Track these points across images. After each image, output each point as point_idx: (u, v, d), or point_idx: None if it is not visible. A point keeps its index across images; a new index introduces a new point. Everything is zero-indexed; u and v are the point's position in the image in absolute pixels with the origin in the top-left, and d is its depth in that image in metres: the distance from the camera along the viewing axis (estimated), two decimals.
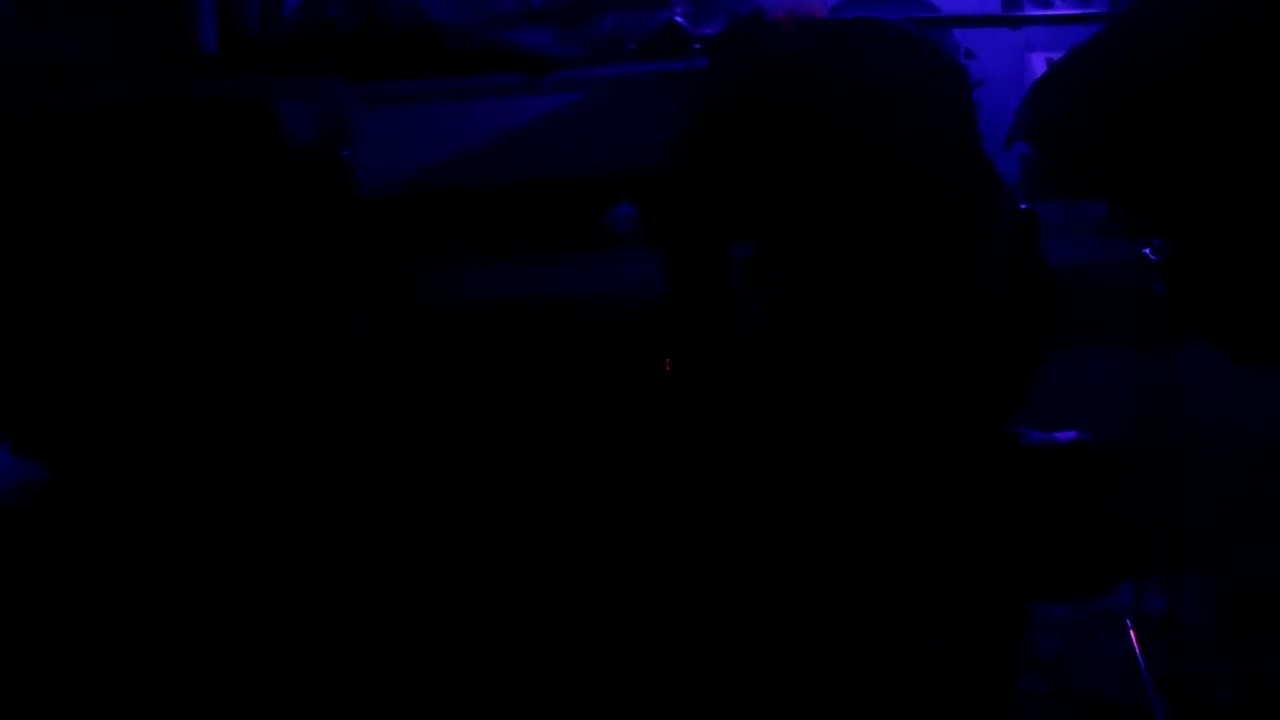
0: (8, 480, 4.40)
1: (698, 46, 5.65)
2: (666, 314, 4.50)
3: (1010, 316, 4.22)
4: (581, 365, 4.98)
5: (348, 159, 5.39)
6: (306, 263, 5.17)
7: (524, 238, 5.65)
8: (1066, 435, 4.19)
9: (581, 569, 3.94)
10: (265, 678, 3.56)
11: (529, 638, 3.68)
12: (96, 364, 4.87)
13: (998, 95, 4.78)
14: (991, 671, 3.63)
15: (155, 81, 5.31)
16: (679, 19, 5.70)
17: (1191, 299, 3.66)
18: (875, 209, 4.04)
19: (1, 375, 4.86)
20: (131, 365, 4.86)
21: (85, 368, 4.87)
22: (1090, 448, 4.17)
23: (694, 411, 4.27)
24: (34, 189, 5.08)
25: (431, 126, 5.61)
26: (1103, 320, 4.34)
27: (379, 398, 4.84)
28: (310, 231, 5.22)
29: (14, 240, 5.04)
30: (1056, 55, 4.36)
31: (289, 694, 3.53)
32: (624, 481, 4.29)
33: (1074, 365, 4.65)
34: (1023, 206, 4.41)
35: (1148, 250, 3.67)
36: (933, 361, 3.98)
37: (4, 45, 5.25)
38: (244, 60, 5.47)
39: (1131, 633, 3.66)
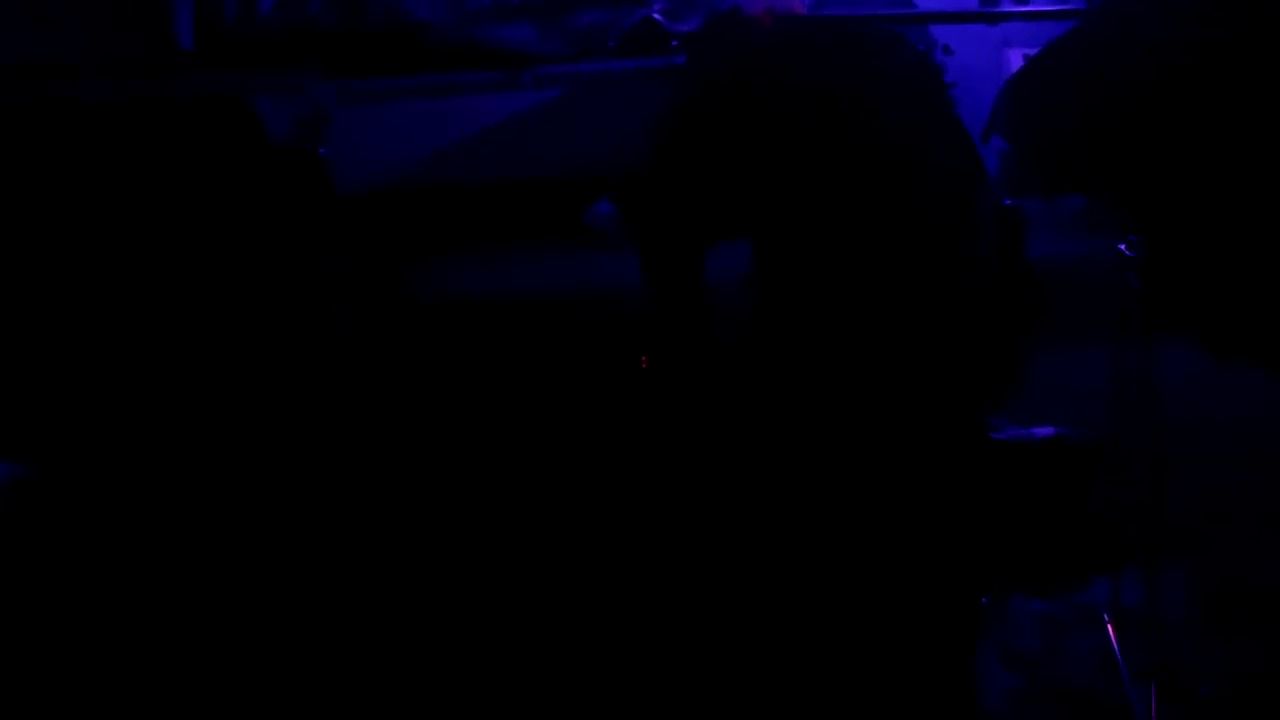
0: None
1: (675, 43, 5.66)
2: (644, 309, 4.50)
3: (994, 312, 4.22)
4: (563, 359, 4.98)
5: (326, 156, 5.39)
6: (287, 259, 5.17)
7: (504, 234, 5.65)
8: (1044, 431, 4.20)
9: (563, 562, 3.94)
10: (249, 679, 3.56)
11: (509, 632, 3.69)
12: (78, 361, 4.87)
13: (975, 90, 4.78)
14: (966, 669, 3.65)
15: (134, 78, 5.30)
16: (657, 16, 5.70)
17: (1167, 294, 3.67)
18: (856, 205, 4.03)
19: None
20: (114, 362, 4.86)
21: (67, 365, 4.87)
22: (1068, 444, 4.18)
23: (674, 405, 4.27)
24: (14, 186, 5.08)
25: (411, 123, 5.61)
26: (1079, 315, 4.35)
27: (363, 391, 4.84)
28: (290, 228, 5.21)
29: None
30: (1034, 51, 4.37)
31: (266, 695, 3.54)
32: (607, 474, 4.29)
33: (1051, 360, 4.65)
34: (1007, 203, 4.41)
35: (1123, 245, 3.68)
36: (915, 357, 3.98)
37: None
38: (223, 57, 5.46)
39: (1110, 627, 3.67)
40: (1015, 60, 5.47)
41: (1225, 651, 3.65)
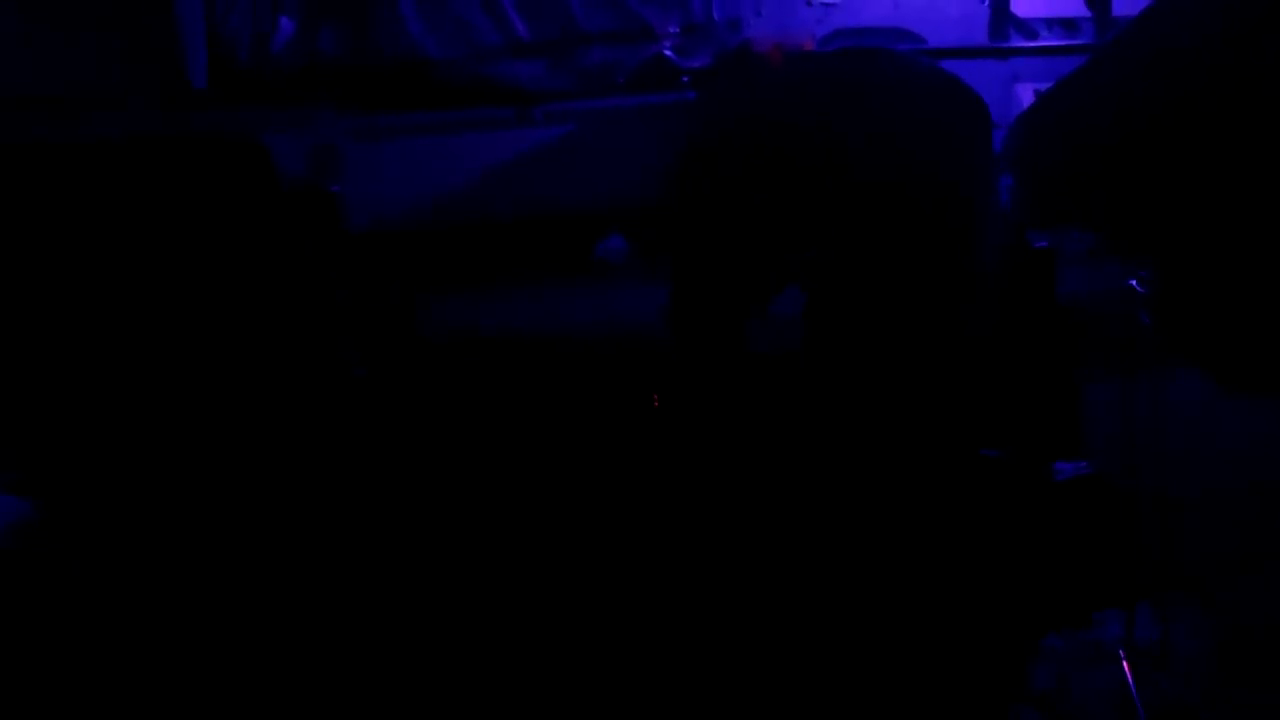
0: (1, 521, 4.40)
1: (686, 79, 5.68)
2: (657, 345, 4.49)
3: (1015, 345, 4.21)
4: (575, 395, 4.99)
5: (338, 193, 5.41)
6: (300, 296, 5.18)
7: (516, 270, 5.66)
8: (1062, 466, 4.19)
9: (574, 598, 3.94)
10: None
11: (523, 669, 3.68)
12: (90, 399, 4.87)
13: None
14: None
15: (147, 115, 5.33)
16: (667, 52, 5.73)
17: (1179, 330, 3.66)
18: (871, 239, 4.03)
19: None
20: (125, 400, 4.86)
21: (77, 403, 4.87)
22: (1083, 479, 4.17)
23: (692, 434, 4.27)
24: (26, 223, 5.09)
25: (423, 159, 5.62)
26: (1090, 350, 4.35)
27: (374, 428, 4.84)
28: (302, 266, 5.23)
29: (5, 273, 5.05)
30: (1043, 86, 4.38)
31: None
32: (622, 512, 4.29)
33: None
34: (1042, 244, 4.40)
35: (1134, 281, 3.68)
36: (926, 384, 3.98)
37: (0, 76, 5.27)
38: (235, 94, 5.49)
39: (1125, 663, 3.65)
40: (1025, 95, 5.48)
41: (1239, 687, 3.64)
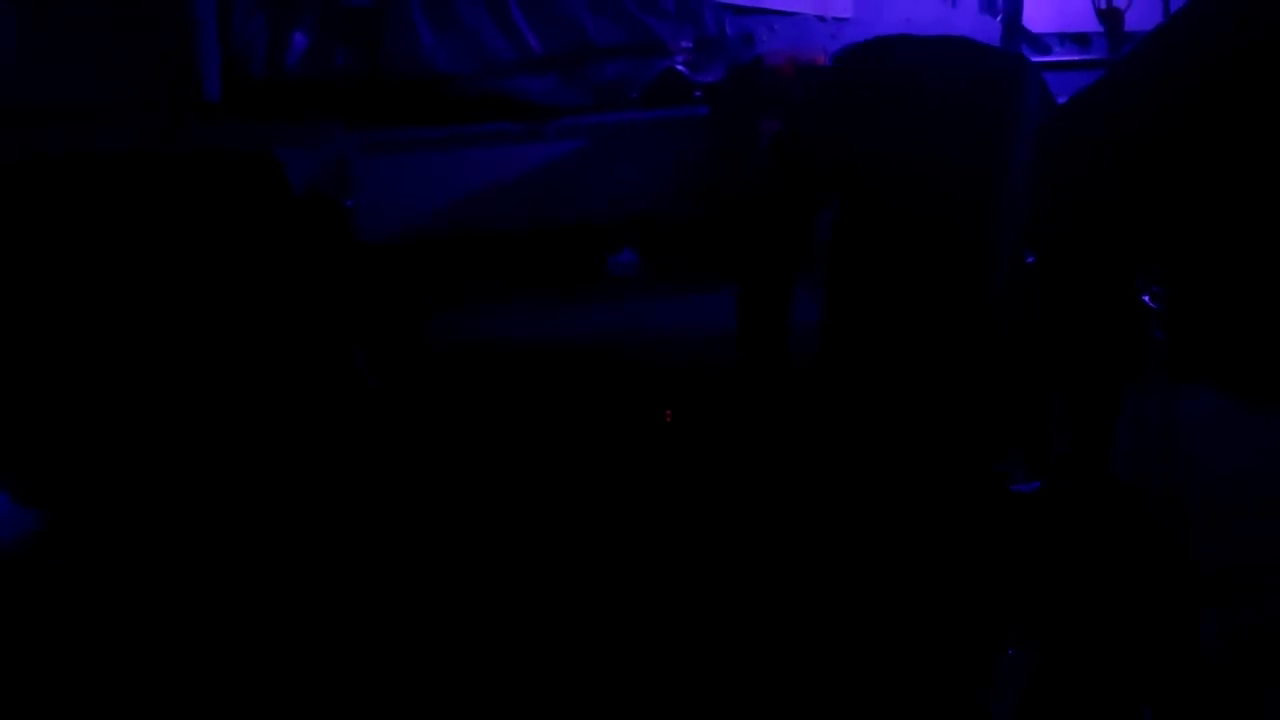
0: (7, 529, 4.40)
1: (698, 94, 5.70)
2: (670, 357, 4.48)
3: (1015, 352, 4.21)
4: (588, 407, 4.99)
5: (351, 206, 5.42)
6: (311, 309, 5.19)
7: (529, 283, 5.68)
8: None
9: (583, 607, 3.94)
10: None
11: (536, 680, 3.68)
12: (101, 412, 4.88)
13: None
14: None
15: (161, 128, 5.35)
16: (679, 67, 5.75)
17: (1192, 345, 3.66)
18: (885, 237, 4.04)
19: (2, 422, 4.88)
20: (134, 413, 4.87)
21: (88, 415, 4.88)
22: (1095, 496, 4.16)
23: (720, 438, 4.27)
24: (38, 236, 5.11)
25: (435, 173, 5.64)
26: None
27: (387, 440, 4.84)
28: (314, 279, 5.24)
29: (17, 287, 5.07)
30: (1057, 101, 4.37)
31: None
32: (629, 521, 4.30)
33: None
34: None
35: (1146, 296, 3.67)
36: (931, 376, 3.97)
37: (12, 86, 5.29)
38: (249, 107, 5.50)
39: (1138, 679, 3.64)
40: None
41: (1258, 703, 3.63)
